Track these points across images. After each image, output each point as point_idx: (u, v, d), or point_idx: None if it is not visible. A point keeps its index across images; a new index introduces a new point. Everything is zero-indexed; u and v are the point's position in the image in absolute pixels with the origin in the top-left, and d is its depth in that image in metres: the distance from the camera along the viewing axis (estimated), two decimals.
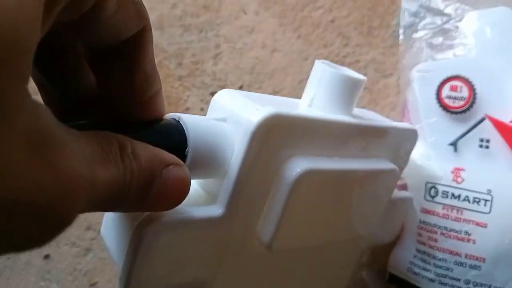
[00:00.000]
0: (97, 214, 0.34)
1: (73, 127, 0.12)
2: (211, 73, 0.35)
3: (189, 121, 0.17)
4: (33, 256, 0.33)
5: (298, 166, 0.18)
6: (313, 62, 0.35)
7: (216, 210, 0.17)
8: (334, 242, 0.24)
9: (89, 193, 0.12)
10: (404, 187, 0.29)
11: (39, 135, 0.11)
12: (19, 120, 0.10)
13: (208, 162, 0.17)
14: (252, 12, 0.36)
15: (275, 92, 0.35)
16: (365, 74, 0.34)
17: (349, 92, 0.21)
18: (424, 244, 0.27)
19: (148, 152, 0.14)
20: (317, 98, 0.21)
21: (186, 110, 0.35)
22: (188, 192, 0.16)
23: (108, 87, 0.16)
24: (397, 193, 0.26)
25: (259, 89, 0.35)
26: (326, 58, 0.34)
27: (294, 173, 0.18)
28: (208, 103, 0.37)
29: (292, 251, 0.22)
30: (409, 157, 0.26)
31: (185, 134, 0.16)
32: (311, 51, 0.35)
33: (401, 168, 0.25)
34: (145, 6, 0.15)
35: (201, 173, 0.18)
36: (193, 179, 0.16)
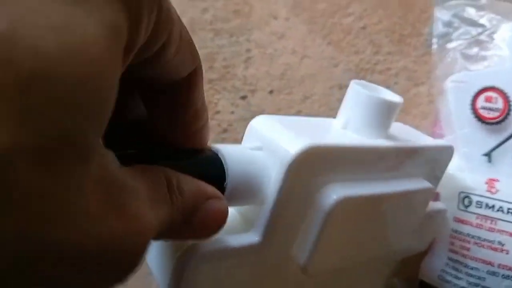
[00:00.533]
0: None
1: (122, 156, 0.12)
2: (241, 77, 0.36)
3: (228, 152, 0.17)
4: None
5: (334, 193, 0.18)
6: (344, 69, 0.35)
7: (253, 238, 0.18)
8: (368, 259, 0.24)
9: (154, 234, 0.13)
10: (436, 197, 0.30)
11: (110, 183, 0.11)
12: (94, 167, 0.10)
13: (245, 192, 0.18)
14: (282, 18, 0.37)
15: (305, 98, 0.35)
16: (396, 82, 0.34)
17: (385, 114, 0.21)
18: (456, 253, 0.28)
19: (192, 186, 0.15)
20: (352, 120, 0.21)
21: (217, 113, 0.35)
22: (225, 223, 0.16)
23: (159, 119, 0.16)
24: (432, 205, 0.26)
25: (289, 95, 0.35)
26: (357, 66, 0.35)
27: (330, 201, 0.18)
28: (238, 106, 0.37)
29: (328, 272, 0.22)
30: (443, 172, 0.26)
31: (223, 166, 0.17)
32: (341, 58, 0.35)
33: (436, 184, 0.26)
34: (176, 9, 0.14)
35: (238, 202, 0.18)
36: (230, 206, 0.17)
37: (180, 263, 0.16)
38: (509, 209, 0.27)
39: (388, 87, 0.34)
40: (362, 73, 0.35)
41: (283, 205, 0.18)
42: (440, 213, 0.27)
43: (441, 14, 0.32)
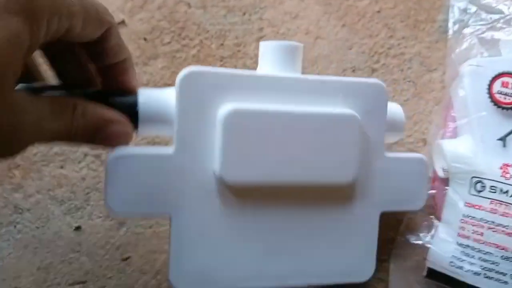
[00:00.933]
0: None
1: (38, 89, 0.23)
2: (253, 56, 0.35)
3: (143, 90, 0.24)
4: (63, 227, 0.33)
5: (228, 107, 0.23)
6: (358, 52, 0.35)
7: (167, 149, 0.24)
8: (303, 186, 0.25)
9: (35, 135, 0.19)
10: (445, 182, 0.29)
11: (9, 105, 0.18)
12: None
13: (157, 118, 0.24)
14: None
15: None
16: (409, 67, 0.34)
17: (287, 55, 0.26)
18: (468, 238, 0.27)
19: (96, 112, 0.22)
20: (264, 64, 0.27)
21: None
22: (128, 140, 0.23)
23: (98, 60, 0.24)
24: (406, 154, 0.28)
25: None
26: (371, 49, 0.34)
27: (224, 112, 0.23)
28: None
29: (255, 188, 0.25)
30: (381, 110, 0.26)
31: (136, 98, 0.23)
32: (356, 40, 0.35)
33: (373, 119, 0.26)
34: None
35: (153, 128, 0.24)
36: (146, 132, 0.25)
37: (108, 163, 0.23)
38: None
39: (401, 71, 0.34)
40: (375, 57, 0.34)
41: (185, 120, 0.24)
42: (416, 162, 0.27)
43: (457, 1, 0.32)
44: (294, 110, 0.25)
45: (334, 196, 0.26)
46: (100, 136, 0.22)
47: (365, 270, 0.27)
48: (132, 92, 0.24)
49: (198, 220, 0.24)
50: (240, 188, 0.24)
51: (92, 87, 0.24)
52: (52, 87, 0.24)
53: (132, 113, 0.23)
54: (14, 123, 0.18)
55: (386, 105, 0.26)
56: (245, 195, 0.25)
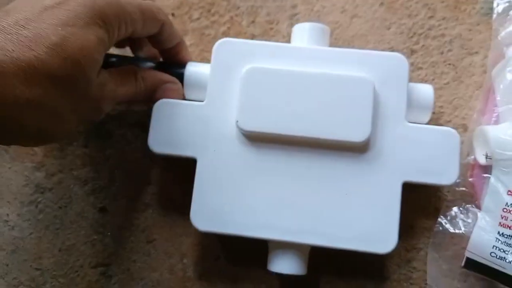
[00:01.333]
0: (157, 170, 0.32)
1: (112, 63, 0.30)
2: (286, 34, 0.34)
3: (190, 64, 0.30)
4: (87, 208, 0.32)
5: (249, 67, 0.28)
6: (396, 32, 0.33)
7: (201, 103, 0.29)
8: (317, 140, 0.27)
9: (113, 99, 0.27)
10: (486, 169, 0.28)
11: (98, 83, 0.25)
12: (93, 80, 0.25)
13: (197, 84, 0.29)
14: None
15: None
16: (450, 50, 0.33)
17: (317, 35, 0.30)
18: (510, 227, 0.26)
19: (153, 76, 0.29)
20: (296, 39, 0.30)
21: None
22: (179, 96, 0.30)
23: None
24: (435, 126, 0.28)
25: None
26: (409, 29, 0.33)
27: (245, 70, 0.28)
28: None
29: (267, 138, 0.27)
30: (403, 82, 0.27)
31: (183, 66, 0.30)
32: (394, 20, 0.33)
33: (395, 91, 0.27)
34: None
35: (195, 91, 0.30)
36: (191, 97, 0.30)
37: (153, 108, 0.29)
38: None
39: (441, 53, 0.33)
40: (415, 37, 0.33)
41: (216, 79, 0.29)
42: (446, 134, 0.27)
43: None
44: (308, 70, 0.27)
45: (351, 157, 0.27)
46: (157, 93, 0.29)
47: (386, 241, 0.26)
48: (184, 65, 0.30)
49: (219, 165, 0.27)
50: (256, 137, 0.27)
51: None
52: (124, 58, 0.31)
53: (181, 80, 0.30)
54: (100, 94, 0.25)
55: (406, 76, 0.27)
56: (262, 146, 0.27)
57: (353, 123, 0.26)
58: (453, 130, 0.27)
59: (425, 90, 0.28)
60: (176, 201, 0.32)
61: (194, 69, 0.30)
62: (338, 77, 0.27)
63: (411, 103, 0.28)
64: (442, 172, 0.27)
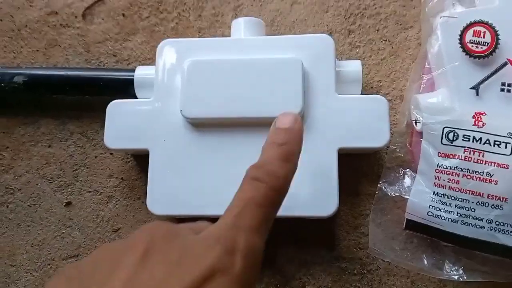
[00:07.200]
0: (117, 163, 0.34)
1: None
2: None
3: (139, 66, 0.33)
4: (54, 204, 0.34)
5: (189, 60, 0.30)
6: (334, 14, 0.35)
7: (148, 99, 0.31)
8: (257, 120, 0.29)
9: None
10: (421, 135, 0.30)
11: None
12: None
13: (148, 83, 0.32)
14: None
15: None
16: (385, 27, 0.34)
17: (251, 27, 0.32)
18: (443, 187, 0.28)
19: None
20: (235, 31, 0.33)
21: None
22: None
23: None
24: (364, 95, 0.30)
25: None
26: (346, 10, 0.35)
27: (186, 63, 0.30)
28: None
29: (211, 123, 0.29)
30: (332, 60, 0.30)
31: (134, 70, 0.33)
32: (331, 3, 0.35)
33: (323, 67, 0.30)
34: None
35: (145, 91, 0.32)
36: (145, 95, 0.32)
37: (107, 109, 0.31)
38: (495, 141, 0.27)
39: (377, 31, 0.34)
40: (351, 18, 0.34)
41: (161, 76, 0.31)
42: (375, 101, 0.29)
43: None
44: (242, 58, 0.30)
45: None
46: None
47: (328, 205, 0.28)
48: (133, 69, 0.33)
49: (169, 153, 0.30)
50: (200, 124, 0.30)
51: None
52: None
53: (132, 84, 0.32)
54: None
55: (333, 54, 0.30)
56: (207, 131, 0.30)
57: (286, 99, 0.29)
58: (381, 97, 0.29)
59: (354, 65, 0.30)
60: (137, 191, 0.33)
61: (142, 72, 0.32)
62: (269, 60, 0.29)
63: (341, 78, 0.30)
64: (374, 136, 0.28)
